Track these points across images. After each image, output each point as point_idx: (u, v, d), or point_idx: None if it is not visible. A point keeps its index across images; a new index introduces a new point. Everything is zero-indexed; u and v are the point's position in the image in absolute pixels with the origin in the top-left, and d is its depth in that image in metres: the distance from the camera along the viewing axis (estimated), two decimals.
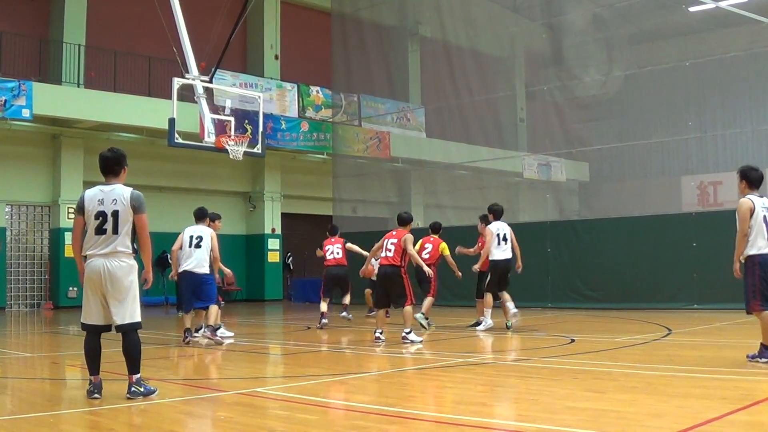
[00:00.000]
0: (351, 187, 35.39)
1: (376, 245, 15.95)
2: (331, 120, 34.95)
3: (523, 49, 38.84)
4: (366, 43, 35.87)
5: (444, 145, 35.34)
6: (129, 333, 9.13)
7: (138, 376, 9.01)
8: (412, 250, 15.50)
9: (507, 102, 37.67)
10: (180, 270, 15.27)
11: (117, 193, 9.14)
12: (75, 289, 29.71)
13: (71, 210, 29.76)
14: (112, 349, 14.61)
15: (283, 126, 32.71)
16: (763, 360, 10.89)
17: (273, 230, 35.43)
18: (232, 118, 23.82)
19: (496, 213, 17.77)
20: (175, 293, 18.26)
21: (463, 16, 35.52)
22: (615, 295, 24.51)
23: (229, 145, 23.04)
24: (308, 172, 36.64)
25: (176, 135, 22.28)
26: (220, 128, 23.38)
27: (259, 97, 26.30)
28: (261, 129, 25.14)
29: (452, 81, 34.93)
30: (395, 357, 13.64)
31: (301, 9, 38.11)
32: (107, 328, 9.32)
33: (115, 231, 9.06)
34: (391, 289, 15.51)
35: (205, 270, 15.18)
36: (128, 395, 8.87)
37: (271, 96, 32.55)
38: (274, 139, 31.86)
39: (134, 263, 9.30)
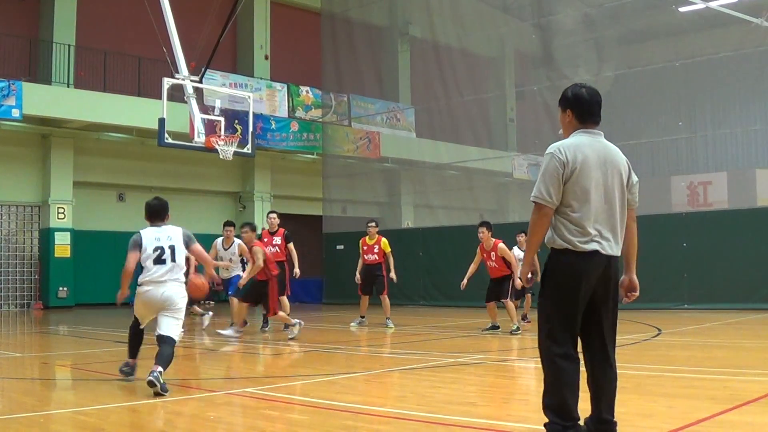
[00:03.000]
0: (341, 187, 35.39)
1: None
2: (320, 120, 34.93)
3: (513, 49, 38.91)
4: (356, 43, 35.89)
5: (434, 145, 35.37)
6: (167, 342, 10.11)
7: (161, 370, 9.59)
8: None
9: (497, 102, 37.73)
10: None
11: (170, 231, 10.95)
12: (65, 289, 29.66)
13: (61, 210, 29.73)
14: (103, 350, 14.56)
15: (273, 126, 32.67)
16: None
17: (263, 230, 35.37)
18: (222, 118, 23.79)
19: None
20: None
21: (452, 17, 35.57)
22: None
23: (219, 145, 23.02)
24: (298, 172, 36.60)
25: (166, 135, 22.26)
26: (210, 128, 23.35)
27: (249, 97, 26.28)
28: (251, 129, 25.13)
29: (442, 81, 34.97)
30: (385, 357, 13.66)
31: (291, 9, 38.07)
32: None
33: (173, 260, 10.58)
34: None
35: None
36: (150, 377, 9.34)
37: (261, 96, 32.51)
38: (264, 139, 31.83)
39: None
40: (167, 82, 22.52)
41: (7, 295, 29.66)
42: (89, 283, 30.48)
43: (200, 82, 24.13)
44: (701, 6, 29.44)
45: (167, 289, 10.39)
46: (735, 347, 14.03)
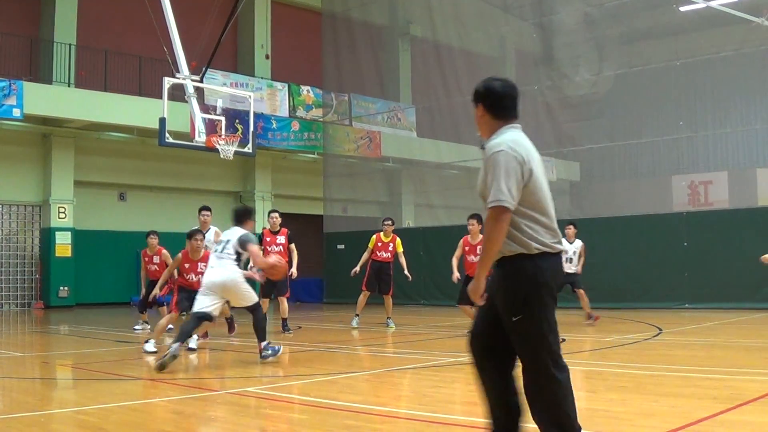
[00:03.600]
0: (342, 186, 35.39)
1: None
2: (321, 119, 34.92)
3: (514, 48, 38.87)
4: (357, 43, 35.87)
5: (434, 144, 35.36)
6: (255, 310, 12.74)
7: (265, 342, 12.56)
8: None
9: None
10: None
11: (233, 233, 12.88)
12: (66, 288, 29.67)
13: (62, 210, 29.73)
14: (104, 349, 14.57)
15: (274, 125, 32.67)
16: None
17: (264, 230, 35.36)
18: (222, 118, 23.76)
19: None
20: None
21: (453, 16, 35.54)
22: (606, 294, 24.52)
23: (219, 144, 23.00)
24: (299, 171, 36.59)
25: (167, 134, 22.24)
26: (211, 128, 23.33)
27: (250, 96, 26.25)
28: (252, 128, 25.10)
29: (443, 80, 34.95)
30: (386, 356, 13.65)
31: (292, 8, 38.06)
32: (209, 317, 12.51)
33: (222, 251, 12.70)
34: None
35: None
36: (261, 359, 12.33)
37: (262, 95, 32.51)
38: (265, 138, 31.82)
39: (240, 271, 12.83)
40: (168, 82, 22.50)
41: (8, 294, 29.67)
42: (90, 282, 30.52)
43: (201, 81, 24.10)
44: (702, 5, 29.43)
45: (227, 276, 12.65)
46: (736, 347, 14.02)
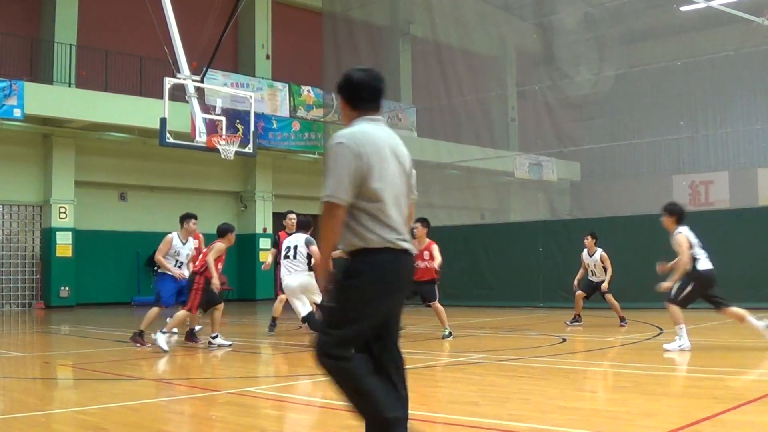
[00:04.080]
0: None
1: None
2: (322, 119, 34.90)
3: (515, 48, 38.90)
4: (357, 43, 35.86)
5: (435, 144, 35.34)
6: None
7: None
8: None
9: (498, 101, 37.73)
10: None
11: (298, 238, 16.50)
12: (66, 288, 29.68)
13: (62, 210, 29.73)
14: (105, 349, 14.58)
15: (275, 125, 32.67)
16: None
17: (264, 230, 35.38)
18: (223, 118, 23.77)
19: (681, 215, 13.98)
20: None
21: (454, 16, 35.54)
22: None
23: (220, 144, 23.01)
24: (299, 171, 36.58)
25: (167, 135, 22.25)
26: (212, 128, 23.34)
27: (251, 96, 26.26)
28: (252, 129, 25.11)
29: (443, 80, 34.97)
30: None
31: (292, 9, 38.05)
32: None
33: (295, 257, 16.14)
34: None
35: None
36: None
37: (263, 95, 32.50)
38: (266, 138, 31.83)
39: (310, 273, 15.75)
40: (169, 82, 22.51)
41: (9, 294, 29.67)
42: (91, 282, 30.54)
43: (202, 81, 24.12)
44: (702, 5, 29.43)
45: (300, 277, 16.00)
46: (736, 347, 14.01)
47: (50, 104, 27.74)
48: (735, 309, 13.23)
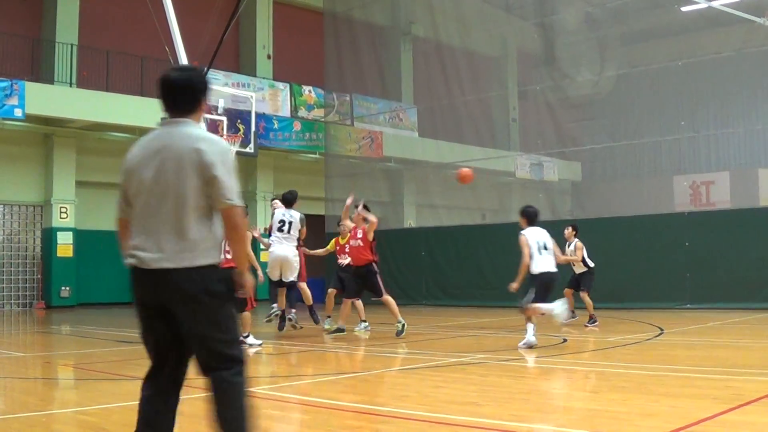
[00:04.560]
0: (343, 186, 35.31)
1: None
2: (323, 120, 34.93)
3: (516, 48, 38.92)
4: (358, 43, 35.85)
5: (436, 144, 35.34)
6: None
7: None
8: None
9: (499, 102, 37.76)
10: None
11: (291, 213, 16.62)
12: (67, 288, 29.70)
13: (63, 210, 29.74)
14: (105, 349, 14.59)
15: (276, 126, 32.69)
16: None
17: (266, 230, 35.37)
18: (224, 118, 23.77)
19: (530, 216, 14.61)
20: None
21: (455, 16, 35.53)
22: (607, 294, 24.49)
23: None
24: (300, 171, 36.58)
25: None
26: (213, 128, 23.33)
27: (252, 96, 26.28)
28: (253, 129, 25.13)
29: (445, 80, 34.95)
30: (387, 357, 13.65)
31: (294, 8, 38.07)
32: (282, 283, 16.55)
33: (289, 231, 16.39)
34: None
35: None
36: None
37: (264, 96, 32.54)
38: (267, 138, 31.84)
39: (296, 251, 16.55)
40: None
41: (10, 294, 29.70)
42: (92, 282, 30.55)
43: None
44: (704, 5, 29.40)
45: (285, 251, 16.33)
46: (737, 347, 14.01)
47: (51, 104, 27.77)
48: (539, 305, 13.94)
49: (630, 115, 35.47)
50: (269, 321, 17.33)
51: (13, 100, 26.18)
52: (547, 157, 35.72)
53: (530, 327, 13.56)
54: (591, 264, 19.09)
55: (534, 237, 13.98)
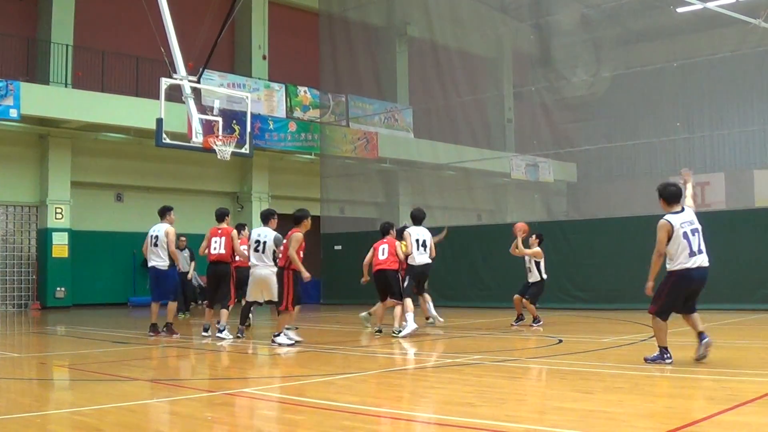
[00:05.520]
0: (339, 187, 35.39)
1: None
2: (318, 120, 34.92)
3: (511, 49, 38.94)
4: (354, 44, 35.87)
5: (432, 145, 35.38)
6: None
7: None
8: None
9: (495, 102, 37.78)
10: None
11: (266, 233, 16.36)
12: (62, 289, 29.66)
13: (58, 210, 29.72)
14: (101, 350, 14.57)
15: (271, 126, 32.66)
16: (668, 360, 11.26)
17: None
18: (219, 119, 23.70)
19: (416, 219, 17.88)
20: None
21: (451, 17, 35.57)
22: (603, 295, 24.55)
23: (216, 145, 22.94)
24: (296, 172, 36.59)
25: (164, 135, 22.18)
26: (208, 128, 23.28)
27: (247, 97, 26.19)
28: (249, 129, 25.05)
29: (440, 81, 34.99)
30: (383, 357, 13.65)
31: (289, 9, 38.06)
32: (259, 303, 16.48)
33: (264, 251, 16.10)
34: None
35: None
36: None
37: (259, 96, 32.50)
38: (262, 139, 31.82)
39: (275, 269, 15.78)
40: (165, 83, 22.44)
41: (5, 295, 29.64)
42: (87, 283, 30.52)
43: (198, 82, 24.03)
44: (699, 6, 29.45)
45: (263, 270, 15.98)
46: (733, 347, 14.02)
47: (47, 104, 27.73)
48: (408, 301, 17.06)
49: (625, 116, 35.49)
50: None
51: (8, 101, 26.13)
52: (542, 158, 35.74)
53: (409, 314, 16.45)
54: (545, 276, 19.13)
55: (415, 234, 17.09)
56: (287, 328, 15.57)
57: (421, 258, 17.28)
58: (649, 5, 31.79)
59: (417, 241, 17.23)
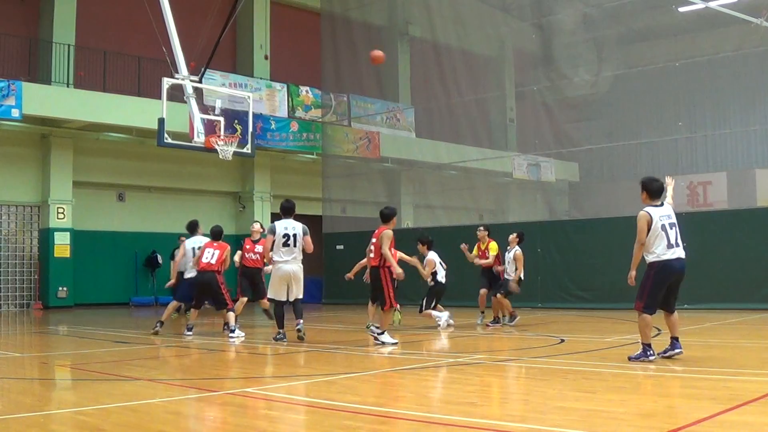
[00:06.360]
0: (340, 187, 35.38)
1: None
2: (320, 120, 34.91)
3: (513, 49, 38.88)
4: (356, 43, 35.82)
5: (433, 145, 35.37)
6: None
7: (301, 320, 15.69)
8: (386, 249, 15.09)
9: (497, 102, 37.74)
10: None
11: (294, 224, 16.07)
12: (64, 289, 29.66)
13: (60, 210, 29.72)
14: (103, 350, 14.57)
15: (273, 126, 32.66)
16: (651, 357, 11.42)
17: (263, 231, 35.34)
18: (221, 118, 23.71)
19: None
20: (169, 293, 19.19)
21: (452, 16, 35.53)
22: (605, 295, 24.51)
23: (218, 145, 22.94)
24: (298, 172, 36.59)
25: (166, 135, 22.19)
26: (210, 128, 23.28)
27: (249, 97, 26.19)
28: (250, 129, 25.04)
29: (442, 81, 34.96)
30: (384, 357, 13.64)
31: (291, 9, 38.06)
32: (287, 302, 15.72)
33: (295, 245, 15.76)
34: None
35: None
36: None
37: (261, 96, 32.49)
38: (264, 139, 31.82)
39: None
40: (167, 82, 22.45)
41: (7, 295, 29.66)
42: (89, 283, 30.53)
43: (200, 82, 24.04)
44: (701, 6, 29.43)
45: (292, 266, 15.70)
46: (735, 347, 14.00)
47: (48, 104, 27.74)
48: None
49: (627, 116, 35.47)
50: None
51: (10, 101, 26.15)
52: (544, 158, 35.69)
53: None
54: (521, 276, 19.16)
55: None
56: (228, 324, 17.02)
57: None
58: (651, 5, 31.74)
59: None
